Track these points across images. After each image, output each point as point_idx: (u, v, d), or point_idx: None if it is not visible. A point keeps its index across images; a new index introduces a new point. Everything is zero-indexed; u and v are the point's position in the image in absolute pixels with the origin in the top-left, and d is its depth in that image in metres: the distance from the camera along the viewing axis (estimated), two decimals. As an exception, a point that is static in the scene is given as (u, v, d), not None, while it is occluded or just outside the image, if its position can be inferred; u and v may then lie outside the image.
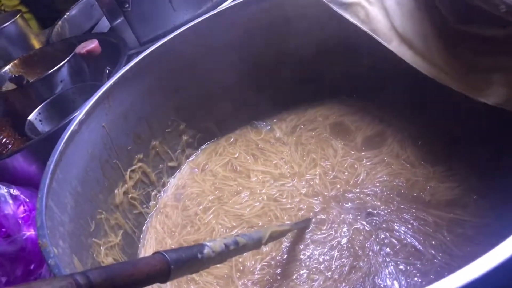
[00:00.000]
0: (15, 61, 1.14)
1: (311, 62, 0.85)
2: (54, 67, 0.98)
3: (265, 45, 0.83)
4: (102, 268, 0.37)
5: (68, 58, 0.99)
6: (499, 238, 0.31)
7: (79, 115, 0.65)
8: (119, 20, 1.21)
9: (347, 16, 0.70)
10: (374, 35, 0.67)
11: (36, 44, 1.36)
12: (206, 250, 0.45)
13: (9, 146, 0.94)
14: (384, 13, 0.67)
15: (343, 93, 0.85)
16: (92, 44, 1.00)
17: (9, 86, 1.06)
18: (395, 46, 0.65)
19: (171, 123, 0.82)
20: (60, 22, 1.37)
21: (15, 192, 0.69)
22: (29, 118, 0.93)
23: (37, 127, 0.93)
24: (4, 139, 0.95)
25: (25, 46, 1.33)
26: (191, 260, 0.43)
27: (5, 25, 1.30)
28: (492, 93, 0.51)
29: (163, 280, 0.41)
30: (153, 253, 0.41)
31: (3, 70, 1.12)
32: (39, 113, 0.95)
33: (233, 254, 0.49)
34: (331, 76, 0.85)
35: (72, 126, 0.63)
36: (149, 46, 0.76)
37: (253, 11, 0.79)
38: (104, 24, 1.31)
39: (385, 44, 0.66)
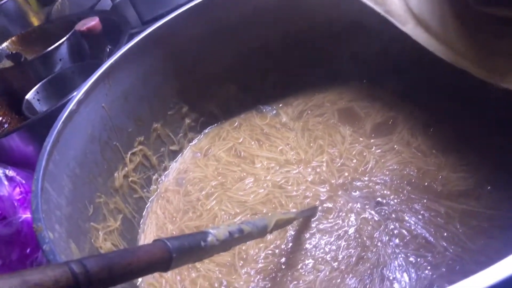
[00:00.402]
0: (13, 38, 1.10)
1: (320, 45, 0.82)
2: (53, 45, 0.95)
3: (273, 25, 0.80)
4: (99, 256, 0.34)
5: (67, 36, 0.95)
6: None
7: (78, 94, 0.62)
8: (121, -2, 1.18)
9: (360, -4, 0.67)
10: (388, 17, 0.64)
11: (35, 22, 1.33)
12: (209, 238, 0.43)
13: (6, 125, 0.92)
14: (400, -7, 0.64)
15: (353, 78, 0.82)
16: (93, 22, 0.96)
17: (6, 63, 1.03)
18: (410, 28, 0.62)
19: (173, 105, 0.79)
20: (60, 0, 1.33)
21: (10, 173, 0.66)
22: (26, 97, 0.90)
23: (35, 106, 0.90)
24: (0, 118, 0.92)
25: (24, 23, 1.30)
26: (194, 248, 0.41)
27: (3, 1, 1.27)
28: (516, 79, 0.48)
29: (164, 269, 0.39)
30: (154, 241, 0.39)
31: (0, 47, 1.09)
32: (37, 92, 0.92)
33: (237, 242, 0.47)
34: (340, 59, 0.82)
35: (71, 106, 0.61)
36: (152, 25, 0.73)
37: (260, -11, 0.76)
38: (106, 3, 1.28)
39: (400, 26, 0.63)
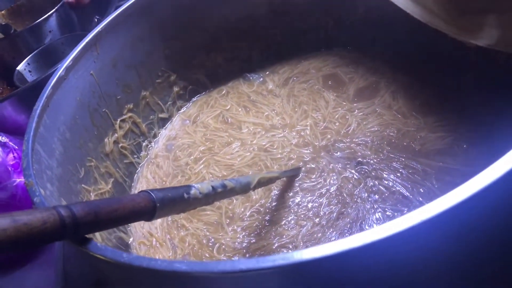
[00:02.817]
0: (3, 12, 1.11)
1: (305, 13, 0.83)
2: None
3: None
4: (86, 202, 0.37)
5: (56, 7, 0.96)
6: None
7: (66, 61, 0.64)
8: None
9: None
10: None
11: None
12: (193, 191, 0.45)
13: (-2, 95, 0.93)
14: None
15: (338, 45, 0.84)
16: (81, -7, 0.97)
17: (-4, 36, 1.03)
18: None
19: (161, 73, 0.81)
20: (48, -27, 1.33)
21: (3, 139, 0.68)
22: (18, 68, 0.92)
23: (26, 77, 0.92)
24: (-8, 89, 0.94)
25: (13, -3, 1.29)
26: (177, 199, 0.43)
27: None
28: (484, 35, 0.50)
29: (148, 218, 0.41)
30: (139, 192, 0.41)
31: (-9, 21, 1.09)
32: (28, 64, 0.93)
33: (220, 196, 0.49)
34: (325, 27, 0.84)
35: (59, 72, 0.62)
36: (138, -6, 0.73)
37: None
38: (94, -25, 1.27)
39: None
